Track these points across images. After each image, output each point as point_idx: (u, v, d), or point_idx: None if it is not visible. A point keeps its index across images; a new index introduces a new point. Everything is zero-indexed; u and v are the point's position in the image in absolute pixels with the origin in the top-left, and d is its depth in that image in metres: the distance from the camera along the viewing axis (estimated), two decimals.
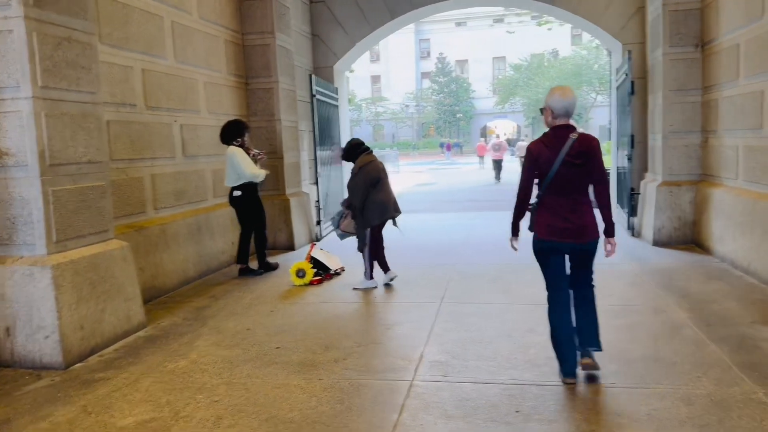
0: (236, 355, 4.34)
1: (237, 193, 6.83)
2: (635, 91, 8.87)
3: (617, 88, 10.46)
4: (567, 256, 3.70)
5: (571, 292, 3.76)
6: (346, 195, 6.67)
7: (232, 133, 6.89)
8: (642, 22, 10.06)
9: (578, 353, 3.68)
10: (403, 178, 27.56)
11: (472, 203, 15.06)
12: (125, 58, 5.96)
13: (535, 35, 55.25)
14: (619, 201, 10.33)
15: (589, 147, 3.58)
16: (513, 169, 26.58)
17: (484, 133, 60.16)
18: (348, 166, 12.18)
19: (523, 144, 31.30)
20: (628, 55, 8.51)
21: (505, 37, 57.52)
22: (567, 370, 3.62)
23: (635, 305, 5.16)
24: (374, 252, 6.38)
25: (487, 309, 5.25)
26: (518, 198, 3.73)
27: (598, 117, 52.09)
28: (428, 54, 62.53)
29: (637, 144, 9.10)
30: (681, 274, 6.18)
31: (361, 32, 11.21)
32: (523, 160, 3.83)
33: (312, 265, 6.51)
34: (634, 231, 8.64)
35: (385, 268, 6.38)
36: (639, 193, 8.71)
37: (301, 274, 6.40)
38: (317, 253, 6.79)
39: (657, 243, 7.77)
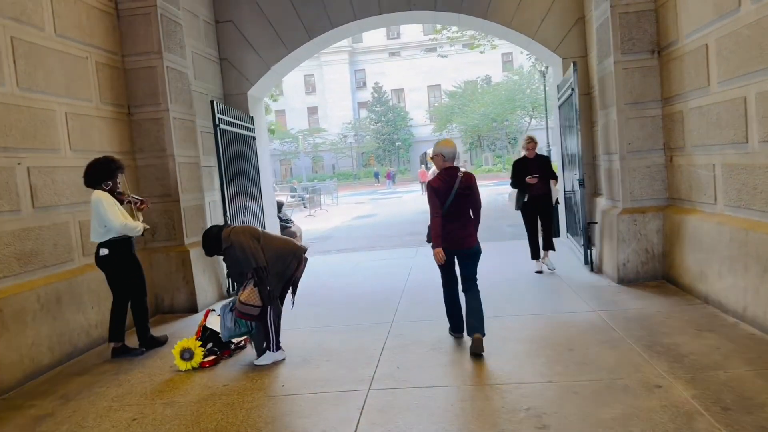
0: None
1: (103, 251, 5.31)
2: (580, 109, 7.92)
3: (560, 106, 9.53)
4: (456, 259, 4.93)
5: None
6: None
7: (98, 174, 5.39)
8: (582, 34, 9.23)
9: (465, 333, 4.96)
10: (341, 210, 26.26)
11: (412, 237, 13.83)
12: None
13: (468, 63, 55.83)
14: (570, 229, 9.31)
15: (471, 181, 4.89)
16: None
17: (424, 159, 59.78)
18: (267, 210, 10.81)
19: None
20: (574, 66, 7.53)
21: (439, 66, 57.80)
22: (455, 329, 5.13)
23: (620, 379, 3.93)
24: (279, 316, 5.00)
25: (429, 398, 3.91)
26: (434, 221, 4.82)
27: None
28: (364, 84, 62.17)
29: (584, 166, 8.12)
30: (662, 325, 5.03)
31: (277, 54, 9.95)
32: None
33: (202, 342, 5.03)
34: (593, 266, 7.55)
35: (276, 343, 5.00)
36: (596, 222, 7.65)
37: (186, 355, 4.90)
38: (214, 323, 5.32)
39: (622, 280, 6.68)
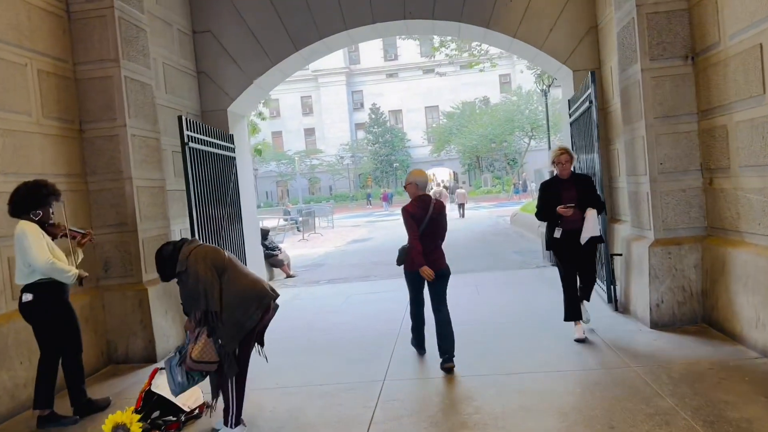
0: None
1: (27, 296, 4.31)
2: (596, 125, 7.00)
3: (572, 122, 8.62)
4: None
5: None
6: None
7: (25, 201, 4.41)
8: (595, 44, 8.36)
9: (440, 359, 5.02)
10: (336, 234, 25.29)
11: None
12: None
13: (465, 84, 55.49)
14: None
15: (442, 208, 5.25)
16: (452, 216, 24.74)
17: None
18: (249, 237, 9.80)
19: (462, 191, 29.76)
20: (591, 76, 6.62)
21: (437, 87, 57.42)
22: (421, 347, 5.51)
23: None
24: (243, 381, 4.00)
25: None
26: (415, 243, 5.06)
27: (533, 161, 51.85)
28: (361, 105, 61.70)
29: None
30: (720, 388, 4.02)
31: (260, 67, 9.08)
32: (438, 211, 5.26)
33: (143, 414, 4.01)
34: (618, 305, 6.56)
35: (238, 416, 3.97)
36: (620, 254, 6.67)
37: None
38: (162, 386, 4.30)
39: (656, 324, 5.68)
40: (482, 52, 18.18)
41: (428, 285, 5.13)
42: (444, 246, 5.22)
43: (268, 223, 25.06)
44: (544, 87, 22.88)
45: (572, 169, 5.62)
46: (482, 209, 33.34)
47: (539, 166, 51.06)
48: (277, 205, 48.18)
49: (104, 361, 6.02)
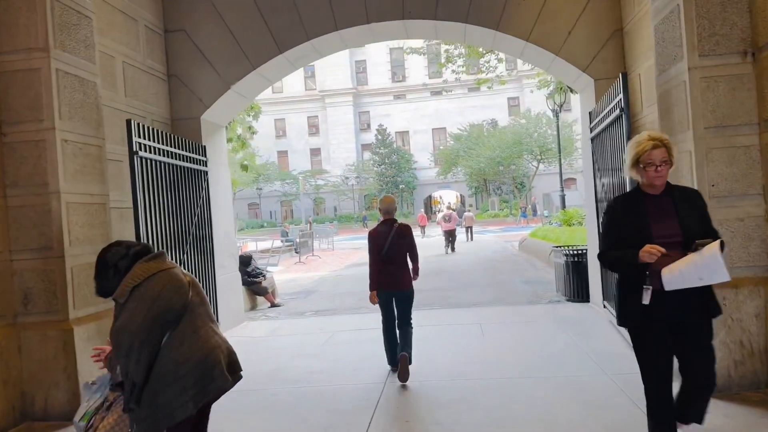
0: None
1: None
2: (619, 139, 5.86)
3: (594, 138, 7.51)
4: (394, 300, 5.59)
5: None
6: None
7: None
8: (620, 50, 7.32)
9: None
10: (336, 257, 24.15)
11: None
12: None
13: (473, 107, 54.82)
14: (609, 297, 7.14)
15: (405, 231, 5.63)
16: (460, 240, 23.57)
17: (429, 203, 58.03)
18: (223, 262, 8.65)
19: (470, 215, 28.60)
20: (623, 78, 5.51)
21: (444, 109, 56.72)
22: (392, 361, 5.65)
23: None
24: None
25: None
26: (374, 268, 5.57)
27: (541, 185, 50.63)
28: (368, 126, 60.92)
29: None
30: None
31: (239, 71, 8.06)
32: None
33: None
34: None
35: None
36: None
37: None
38: None
39: None
40: (490, 68, 17.16)
41: (395, 305, 5.56)
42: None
43: (262, 244, 23.95)
44: (556, 107, 21.87)
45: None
46: (489, 233, 32.11)
47: (548, 190, 49.97)
48: (281, 225, 47.18)
49: (16, 418, 4.85)
